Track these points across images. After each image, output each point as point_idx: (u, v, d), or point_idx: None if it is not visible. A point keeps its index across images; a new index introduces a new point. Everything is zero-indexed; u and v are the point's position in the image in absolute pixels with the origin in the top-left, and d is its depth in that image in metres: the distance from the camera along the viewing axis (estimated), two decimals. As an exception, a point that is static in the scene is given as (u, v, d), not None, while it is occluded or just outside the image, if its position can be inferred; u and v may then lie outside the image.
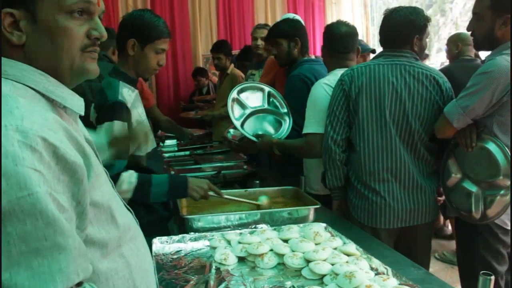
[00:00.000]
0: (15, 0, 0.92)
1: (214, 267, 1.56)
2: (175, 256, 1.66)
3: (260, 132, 2.78)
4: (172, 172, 2.96)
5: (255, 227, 1.89)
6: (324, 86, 2.47)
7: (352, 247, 1.65)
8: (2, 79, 0.91)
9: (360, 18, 7.54)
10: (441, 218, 4.44)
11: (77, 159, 0.88)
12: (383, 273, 1.47)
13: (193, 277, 1.49)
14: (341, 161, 2.31)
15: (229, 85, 4.54)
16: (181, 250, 1.71)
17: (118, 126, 1.89)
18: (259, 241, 1.67)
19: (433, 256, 3.88)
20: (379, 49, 2.41)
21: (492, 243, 2.09)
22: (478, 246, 2.12)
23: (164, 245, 1.72)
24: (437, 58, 6.59)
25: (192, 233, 1.82)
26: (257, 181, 2.65)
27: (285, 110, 2.90)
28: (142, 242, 1.20)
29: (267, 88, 2.97)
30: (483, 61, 2.07)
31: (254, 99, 2.94)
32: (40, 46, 0.95)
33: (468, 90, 2.00)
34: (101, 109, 1.90)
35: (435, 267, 3.64)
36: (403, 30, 2.23)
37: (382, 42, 2.34)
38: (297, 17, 3.53)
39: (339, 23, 2.64)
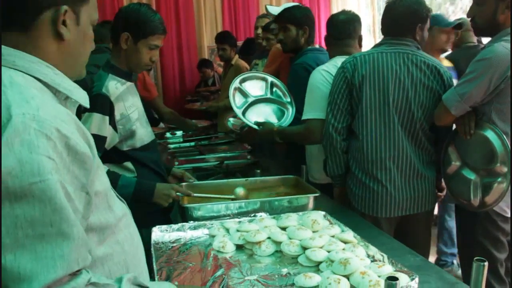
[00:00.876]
0: (68, 0, 1.01)
1: (212, 254, 1.59)
2: (174, 244, 1.69)
3: (262, 120, 2.79)
4: (176, 163, 2.98)
5: (254, 216, 1.91)
6: (323, 73, 2.48)
7: (349, 234, 1.67)
8: (13, 70, 0.95)
9: (366, 8, 7.49)
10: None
11: (85, 150, 0.93)
12: (379, 260, 1.49)
13: (191, 264, 1.52)
14: (342, 149, 2.32)
15: (234, 76, 4.50)
16: (180, 239, 1.74)
17: (96, 118, 1.90)
18: (257, 229, 1.70)
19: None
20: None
21: (491, 231, 2.09)
22: (478, 234, 2.12)
23: (163, 233, 1.75)
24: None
25: (191, 221, 1.84)
26: (258, 171, 2.66)
27: (288, 100, 2.91)
28: (135, 231, 1.24)
29: (270, 78, 2.97)
30: (483, 48, 2.06)
31: (256, 88, 2.94)
32: (75, 45, 1.06)
33: (466, 77, 2.00)
34: None
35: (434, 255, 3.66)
36: (406, 19, 2.23)
37: (385, 30, 2.34)
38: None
39: (340, 12, 2.68)
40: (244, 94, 2.89)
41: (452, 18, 4.45)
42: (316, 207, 2.07)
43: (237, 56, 4.79)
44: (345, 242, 1.60)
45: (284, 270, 1.47)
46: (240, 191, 2.19)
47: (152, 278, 1.36)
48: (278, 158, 3.31)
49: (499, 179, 1.99)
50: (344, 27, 2.57)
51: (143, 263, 1.25)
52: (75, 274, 0.87)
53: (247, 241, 1.63)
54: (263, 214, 1.94)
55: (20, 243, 0.81)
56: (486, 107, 2.02)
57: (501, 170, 1.98)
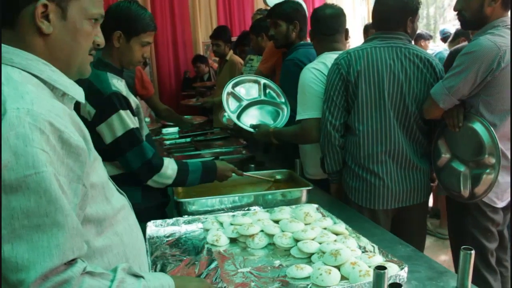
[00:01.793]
0: None
1: (206, 248, 1.62)
2: (169, 238, 1.72)
3: (257, 123, 2.80)
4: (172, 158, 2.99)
5: (248, 209, 1.94)
6: (313, 71, 2.46)
7: (341, 226, 1.69)
8: (10, 66, 0.98)
9: (361, 1, 7.49)
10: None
11: (80, 143, 0.96)
12: (370, 251, 1.51)
13: (185, 258, 1.55)
14: (340, 145, 2.32)
15: (228, 72, 4.57)
16: (175, 233, 1.76)
17: (125, 114, 1.91)
18: (250, 222, 1.72)
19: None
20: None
21: (481, 221, 2.12)
22: (468, 224, 2.15)
23: (158, 228, 1.78)
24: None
25: (186, 216, 1.87)
26: (252, 165, 2.69)
27: (282, 100, 2.92)
28: (135, 223, 1.27)
29: (262, 80, 2.98)
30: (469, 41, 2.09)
31: (250, 91, 2.95)
32: (63, 40, 1.05)
33: (453, 70, 2.02)
34: (100, 103, 1.89)
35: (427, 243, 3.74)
36: (397, 12, 2.23)
37: (376, 24, 2.34)
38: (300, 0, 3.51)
39: (325, 6, 2.65)
40: (238, 98, 2.90)
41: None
42: (310, 201, 2.10)
43: (231, 51, 4.81)
44: (336, 234, 1.63)
45: (277, 262, 1.50)
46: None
47: (147, 271, 1.38)
48: (273, 153, 3.34)
49: (488, 170, 2.02)
50: (332, 22, 2.54)
51: (143, 255, 1.28)
52: (71, 263, 0.90)
53: (240, 234, 1.66)
54: (256, 208, 1.97)
55: (16, 234, 0.84)
56: (474, 99, 2.04)
57: (489, 161, 2.01)
